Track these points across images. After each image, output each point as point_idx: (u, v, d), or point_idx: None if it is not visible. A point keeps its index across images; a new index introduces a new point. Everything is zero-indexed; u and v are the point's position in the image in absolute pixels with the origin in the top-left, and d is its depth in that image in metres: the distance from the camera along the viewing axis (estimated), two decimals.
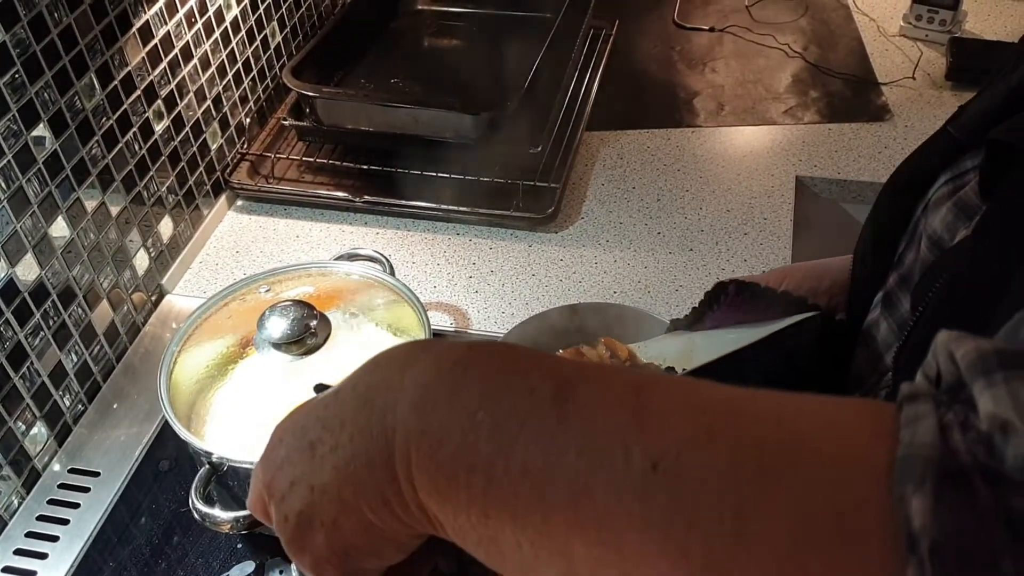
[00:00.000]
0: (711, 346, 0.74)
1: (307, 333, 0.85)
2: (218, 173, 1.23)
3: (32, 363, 0.91)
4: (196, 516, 0.77)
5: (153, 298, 1.12)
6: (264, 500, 0.41)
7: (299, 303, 0.87)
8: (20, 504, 0.91)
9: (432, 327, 0.89)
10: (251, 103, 1.30)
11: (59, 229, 0.94)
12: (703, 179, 1.27)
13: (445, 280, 1.13)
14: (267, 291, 0.94)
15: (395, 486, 0.36)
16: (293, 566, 0.85)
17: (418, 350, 0.38)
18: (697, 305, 0.79)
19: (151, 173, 1.09)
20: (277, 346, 0.85)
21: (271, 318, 0.85)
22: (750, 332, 0.71)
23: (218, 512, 0.76)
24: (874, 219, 0.66)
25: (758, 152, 1.32)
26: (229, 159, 1.25)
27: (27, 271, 0.90)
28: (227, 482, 0.82)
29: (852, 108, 1.38)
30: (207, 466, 0.80)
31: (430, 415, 0.35)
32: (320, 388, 0.51)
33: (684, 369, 0.70)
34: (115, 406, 1.00)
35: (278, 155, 1.26)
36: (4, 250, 0.87)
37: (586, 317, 0.93)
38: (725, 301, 0.76)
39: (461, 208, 1.19)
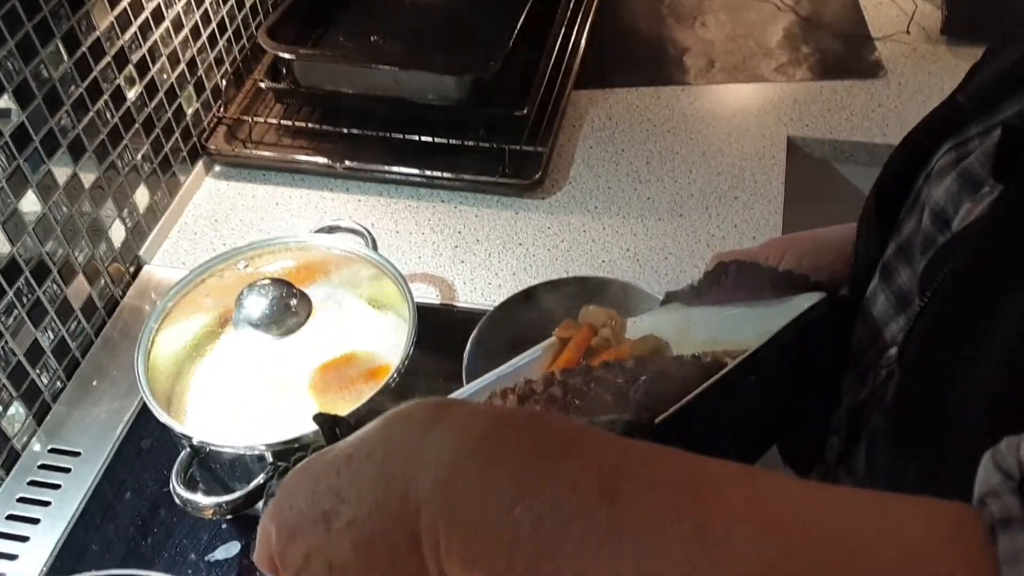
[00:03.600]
0: (710, 324, 0.73)
1: (287, 313, 0.83)
2: (194, 139, 1.20)
3: (7, 342, 0.89)
4: (178, 502, 0.76)
5: (131, 270, 1.09)
6: (273, 561, 0.39)
7: (278, 281, 0.85)
8: (0, 483, 0.89)
9: (417, 300, 0.87)
10: (227, 65, 1.26)
11: (29, 204, 0.91)
12: (693, 140, 1.24)
13: (430, 250, 1.11)
14: (246, 266, 0.91)
15: (422, 567, 0.34)
16: None
17: (435, 415, 0.35)
18: (696, 283, 0.77)
19: (125, 142, 1.06)
20: (256, 326, 0.83)
21: (249, 297, 0.83)
22: (753, 313, 0.70)
23: (200, 497, 0.75)
24: (879, 190, 0.64)
25: (749, 111, 1.29)
26: (205, 124, 1.22)
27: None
28: (209, 465, 0.81)
29: (845, 64, 1.35)
30: (188, 449, 0.78)
31: (460, 503, 0.32)
32: (321, 420, 0.49)
33: (684, 354, 0.68)
34: (95, 382, 0.98)
35: (256, 118, 1.22)
36: None
37: (576, 291, 0.91)
38: (726, 281, 0.74)
39: (445, 175, 1.16)
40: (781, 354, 0.60)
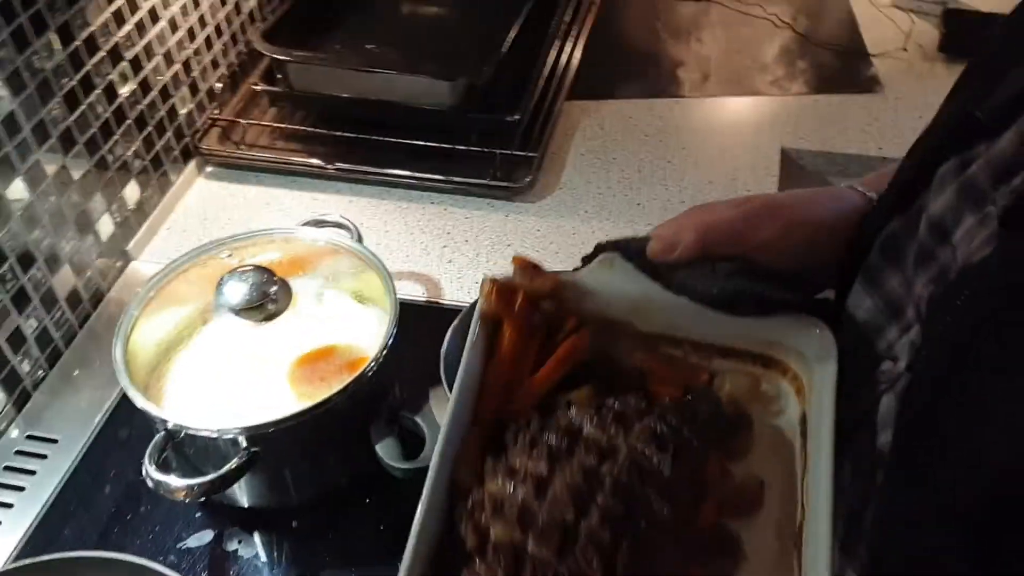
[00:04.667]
0: (674, 308, 0.62)
1: (267, 299, 0.83)
2: (187, 139, 1.20)
3: None
4: (150, 484, 0.75)
5: (118, 264, 1.09)
6: None
7: (259, 268, 0.85)
8: None
9: (402, 297, 0.87)
10: (223, 68, 1.27)
11: (17, 191, 0.92)
12: (686, 150, 1.24)
13: (418, 249, 1.11)
14: (229, 256, 0.91)
15: None
16: (255, 536, 0.83)
17: None
18: (657, 263, 0.64)
19: (116, 137, 1.06)
20: (236, 312, 0.82)
21: (229, 283, 0.83)
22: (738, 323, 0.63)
23: (172, 479, 0.74)
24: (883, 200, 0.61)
25: (743, 123, 1.29)
26: (199, 124, 1.22)
27: None
28: (184, 450, 0.80)
29: (841, 79, 1.35)
30: (163, 432, 0.78)
31: None
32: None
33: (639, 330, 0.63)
34: (77, 372, 0.98)
35: (250, 121, 1.23)
36: None
37: None
38: (707, 281, 0.62)
39: (436, 177, 1.16)
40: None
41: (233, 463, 0.76)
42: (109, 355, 0.96)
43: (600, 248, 0.65)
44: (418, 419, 0.81)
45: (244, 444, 0.77)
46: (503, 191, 1.15)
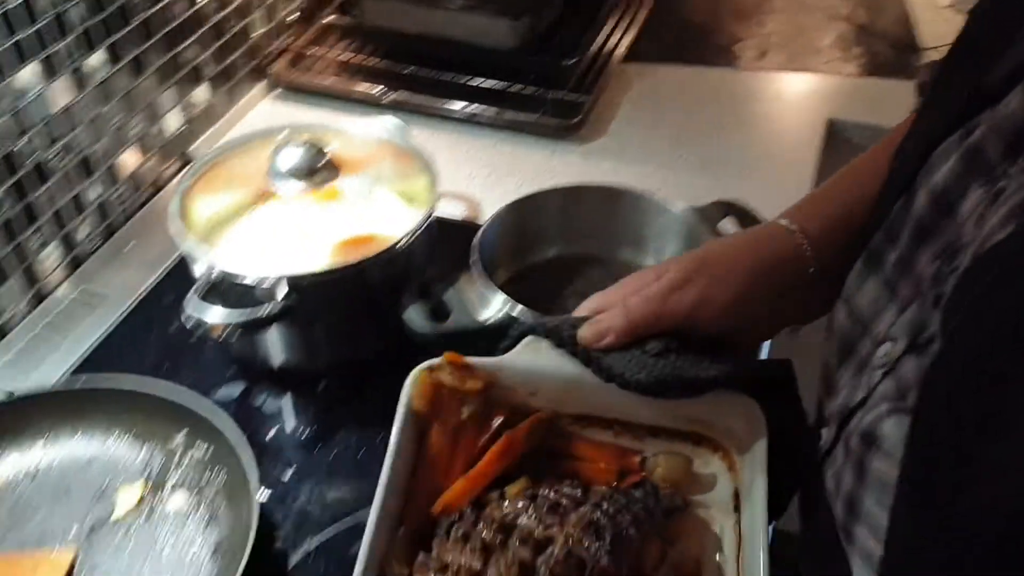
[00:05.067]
0: (610, 398, 0.62)
1: (318, 167, 0.87)
2: (258, 60, 1.26)
3: (54, 186, 0.94)
4: (190, 321, 0.79)
5: (179, 164, 1.14)
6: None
7: (314, 143, 0.89)
8: (26, 314, 0.94)
9: (442, 214, 0.92)
10: (297, 1, 1.33)
11: (94, 62, 0.97)
12: (734, 116, 1.27)
13: (464, 176, 1.15)
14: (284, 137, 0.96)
15: None
16: (282, 395, 0.86)
17: None
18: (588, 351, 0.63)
19: (192, 40, 1.12)
20: (289, 176, 0.86)
21: (285, 149, 0.87)
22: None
23: (210, 314, 0.78)
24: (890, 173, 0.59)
25: (792, 95, 1.32)
26: (271, 49, 1.28)
27: (61, 95, 0.93)
28: (224, 300, 0.83)
29: (893, 67, 1.38)
30: (206, 277, 0.81)
31: None
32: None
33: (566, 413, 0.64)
34: (131, 245, 1.03)
35: (319, 52, 1.29)
36: (43, 64, 0.90)
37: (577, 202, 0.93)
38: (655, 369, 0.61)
39: (488, 112, 1.20)
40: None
41: (268, 307, 0.79)
42: (161, 239, 1.01)
43: (527, 331, 0.64)
44: (446, 296, 0.84)
45: (281, 294, 0.80)
46: (551, 130, 1.19)
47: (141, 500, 0.76)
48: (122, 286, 0.98)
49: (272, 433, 0.84)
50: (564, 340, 0.63)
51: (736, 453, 0.62)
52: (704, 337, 0.62)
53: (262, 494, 0.77)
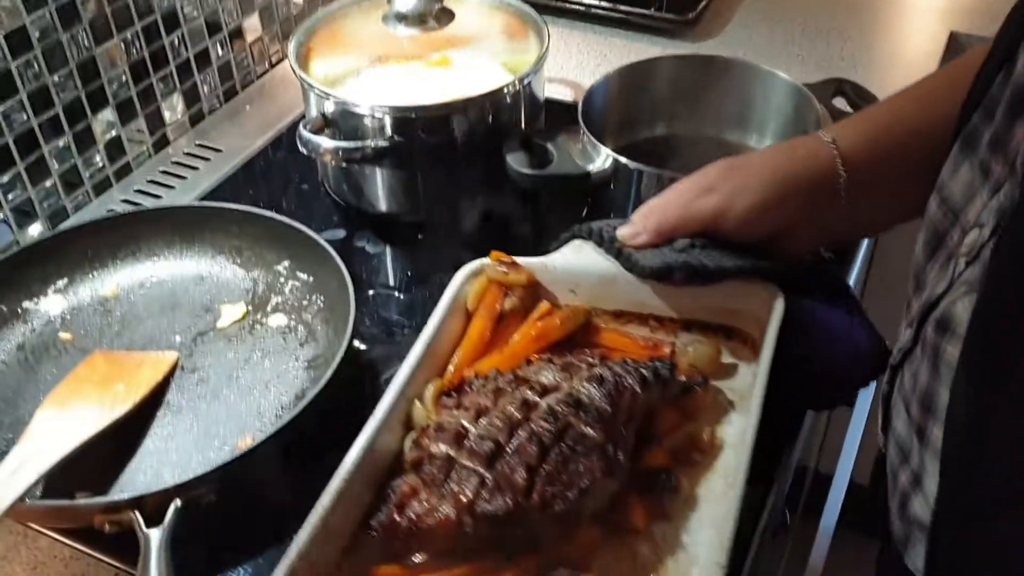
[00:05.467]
0: (639, 285, 0.68)
1: (433, 9, 0.88)
2: None
3: (181, 39, 0.98)
4: (303, 147, 0.81)
5: None
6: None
7: None
8: (148, 158, 0.98)
9: (549, 95, 0.93)
10: None
11: None
12: (856, 21, 1.23)
13: (573, 64, 1.15)
14: None
15: None
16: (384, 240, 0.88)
17: None
18: (624, 249, 0.68)
19: None
20: (403, 18, 0.88)
21: None
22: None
23: (323, 140, 0.80)
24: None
25: (917, 4, 1.28)
26: None
27: None
28: (337, 132, 0.85)
29: None
30: (321, 110, 0.83)
31: None
32: None
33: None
34: (248, 108, 1.07)
35: None
36: None
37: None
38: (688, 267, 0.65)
39: (603, 5, 1.20)
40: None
41: (377, 140, 0.81)
42: (276, 107, 1.05)
43: (574, 234, 0.71)
44: (549, 145, 0.84)
45: (389, 130, 0.82)
46: (666, 25, 1.18)
47: (244, 316, 0.78)
48: (236, 144, 1.01)
49: (369, 272, 0.85)
50: (603, 240, 0.69)
51: (759, 341, 0.66)
52: (733, 242, 0.65)
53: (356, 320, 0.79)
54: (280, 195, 0.94)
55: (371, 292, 0.83)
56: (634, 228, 0.67)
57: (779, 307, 0.64)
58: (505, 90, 0.84)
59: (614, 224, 0.69)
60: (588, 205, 0.87)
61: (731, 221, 0.64)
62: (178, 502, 0.58)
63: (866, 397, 1.21)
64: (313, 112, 0.85)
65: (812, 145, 0.65)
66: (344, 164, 0.84)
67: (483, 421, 0.56)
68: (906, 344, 0.54)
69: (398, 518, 0.54)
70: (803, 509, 1.22)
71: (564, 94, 1.09)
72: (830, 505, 1.26)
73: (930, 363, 0.49)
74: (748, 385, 0.65)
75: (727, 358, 0.67)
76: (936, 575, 0.47)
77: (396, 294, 0.84)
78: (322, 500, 0.53)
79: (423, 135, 0.83)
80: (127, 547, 0.58)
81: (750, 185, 0.64)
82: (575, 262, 0.70)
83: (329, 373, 0.66)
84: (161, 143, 1.00)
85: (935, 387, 0.48)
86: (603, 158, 0.81)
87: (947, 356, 0.47)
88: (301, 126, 0.81)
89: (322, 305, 0.78)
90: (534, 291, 0.70)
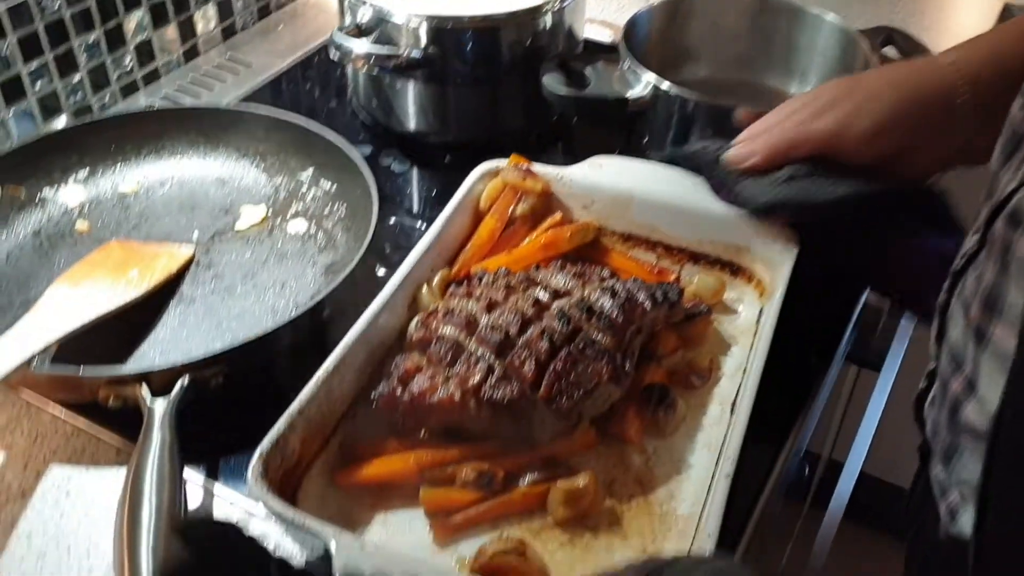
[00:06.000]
0: (655, 209, 0.68)
1: None
2: None
3: None
4: (334, 53, 0.79)
5: None
6: None
7: None
8: (178, 65, 0.97)
9: (588, 36, 0.92)
10: None
11: None
12: None
13: (614, 8, 1.12)
14: None
15: None
16: (410, 160, 0.86)
17: None
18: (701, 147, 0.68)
19: None
20: None
21: None
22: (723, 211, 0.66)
23: (356, 45, 0.79)
24: None
25: None
26: None
27: None
28: (374, 34, 0.82)
29: None
30: (355, 15, 0.82)
31: None
32: None
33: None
34: (280, 27, 1.05)
35: None
36: None
37: None
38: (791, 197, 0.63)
39: None
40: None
41: (410, 48, 0.79)
42: (309, 30, 1.03)
43: (670, 157, 0.69)
44: (587, 70, 0.82)
45: (424, 40, 0.80)
46: None
47: (264, 219, 0.77)
48: (266, 61, 1.00)
49: (393, 188, 0.84)
50: (703, 164, 0.67)
51: (768, 280, 0.65)
52: (845, 165, 0.63)
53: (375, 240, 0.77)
54: (307, 112, 0.91)
55: (394, 203, 0.82)
56: (741, 151, 0.65)
57: (793, 247, 0.64)
58: (546, 7, 0.82)
59: (713, 148, 0.67)
60: (624, 134, 0.85)
61: (850, 141, 0.62)
62: (186, 378, 0.57)
63: (875, 392, 1.19)
64: (348, 20, 0.83)
65: (932, 65, 0.63)
66: (376, 72, 0.82)
67: (494, 313, 0.56)
68: (971, 248, 0.52)
69: (399, 392, 0.53)
70: (812, 497, 1.20)
71: (603, 35, 1.07)
72: (838, 494, 1.24)
73: (998, 260, 0.47)
74: (750, 323, 0.65)
75: (731, 294, 0.67)
76: (989, 485, 0.45)
77: (419, 207, 0.82)
78: (325, 364, 0.53)
79: (458, 48, 0.81)
80: (129, 424, 0.56)
81: (871, 104, 0.62)
82: (592, 178, 0.70)
83: (347, 271, 0.64)
84: (191, 53, 0.98)
85: (1002, 285, 0.46)
86: (643, 85, 0.79)
87: (1019, 251, 0.45)
88: (335, 31, 0.80)
89: (344, 213, 0.76)
90: (548, 201, 0.70)
